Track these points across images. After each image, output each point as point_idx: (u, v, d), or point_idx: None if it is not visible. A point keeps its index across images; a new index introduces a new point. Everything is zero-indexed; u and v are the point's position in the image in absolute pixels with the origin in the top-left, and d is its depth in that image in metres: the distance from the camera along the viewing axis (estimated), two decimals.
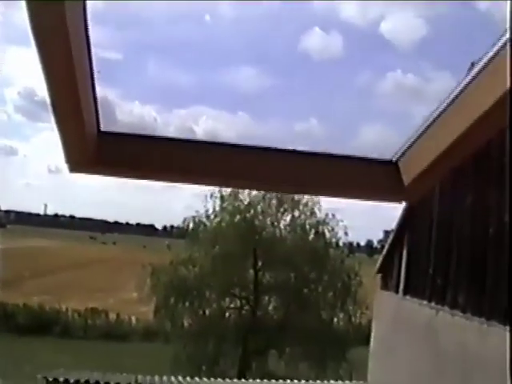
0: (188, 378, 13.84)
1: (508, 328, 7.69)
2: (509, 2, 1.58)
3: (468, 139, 1.72)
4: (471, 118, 1.65)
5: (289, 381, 13.60)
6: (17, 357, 19.79)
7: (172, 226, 29.41)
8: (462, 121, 1.69)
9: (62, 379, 12.58)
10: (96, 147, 1.91)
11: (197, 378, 13.91)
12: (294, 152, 2.03)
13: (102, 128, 1.94)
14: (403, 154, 1.98)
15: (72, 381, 12.61)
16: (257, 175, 2.01)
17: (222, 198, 20.18)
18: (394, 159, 2.01)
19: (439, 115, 1.81)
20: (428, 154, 1.84)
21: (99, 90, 1.84)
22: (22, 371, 16.23)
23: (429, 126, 1.86)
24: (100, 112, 1.88)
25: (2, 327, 23.99)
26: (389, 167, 1.99)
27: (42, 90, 1.66)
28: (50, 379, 12.63)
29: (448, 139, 1.76)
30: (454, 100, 1.75)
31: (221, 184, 2.22)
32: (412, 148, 1.94)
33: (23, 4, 1.29)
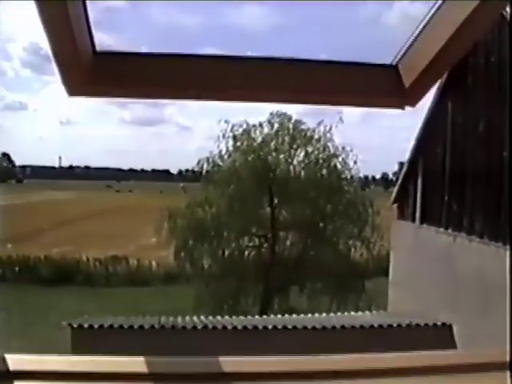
0: (210, 317, 14.22)
1: None
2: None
3: (461, 37, 1.75)
4: (465, 12, 1.67)
5: (310, 315, 13.90)
6: (41, 307, 20.43)
7: (187, 170, 29.55)
8: (456, 16, 1.71)
9: (86, 325, 13.01)
10: (92, 67, 1.92)
11: (219, 317, 14.26)
12: (293, 60, 2.02)
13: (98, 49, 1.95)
14: (402, 56, 1.99)
15: (96, 326, 13.02)
16: (256, 84, 2.01)
17: (234, 137, 20.23)
18: (393, 63, 2.01)
19: (435, 13, 1.84)
20: (425, 54, 1.87)
21: (105, 38, 1.96)
22: (47, 320, 16.74)
23: (425, 27, 1.88)
24: (94, 34, 1.90)
25: (25, 279, 24.68)
26: (389, 71, 2.00)
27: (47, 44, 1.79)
28: (75, 326, 13.07)
29: (443, 38, 1.79)
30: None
31: (221, 97, 2.10)
32: (410, 50, 1.95)
33: None
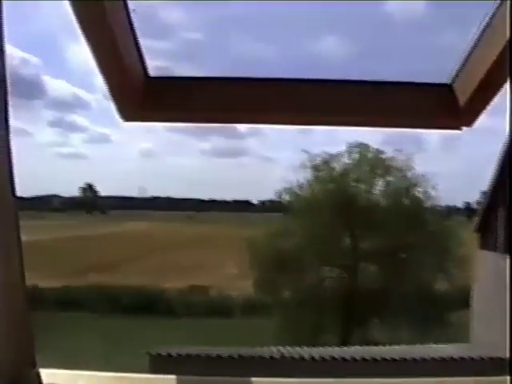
0: (289, 348, 14.44)
1: None
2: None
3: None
4: None
5: (390, 346, 13.92)
6: (121, 336, 21.21)
7: (269, 200, 30.08)
8: (508, 31, 1.69)
9: (164, 354, 13.56)
10: (145, 92, 1.98)
11: (298, 347, 14.45)
12: (342, 82, 2.04)
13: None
14: (457, 75, 1.97)
15: (174, 355, 13.55)
16: (306, 108, 2.02)
17: (314, 167, 20.63)
18: (448, 82, 1.99)
19: (487, 28, 1.83)
20: (479, 71, 1.84)
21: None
22: (126, 349, 17.31)
23: (478, 43, 1.88)
24: (146, 59, 1.97)
25: (106, 308, 25.63)
26: (443, 90, 1.98)
27: None
28: (153, 354, 13.63)
29: (496, 54, 1.77)
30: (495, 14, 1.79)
31: (279, 121, 2.19)
32: (464, 67, 1.93)
33: None
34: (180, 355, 13.55)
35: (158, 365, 13.51)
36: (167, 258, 38.21)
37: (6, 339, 1.88)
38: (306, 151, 20.47)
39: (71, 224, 65.41)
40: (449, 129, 2.11)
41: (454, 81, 1.98)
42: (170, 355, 13.57)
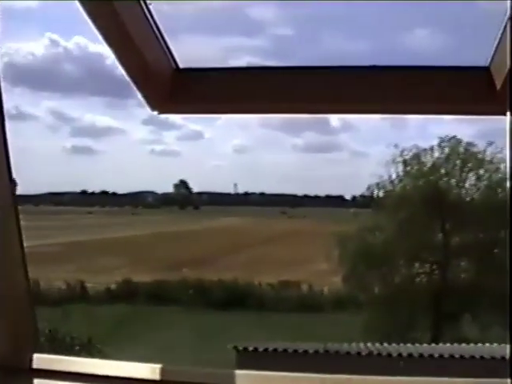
0: (377, 344, 14.58)
1: None
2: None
3: None
4: None
5: (481, 344, 13.83)
6: (212, 330, 21.97)
7: (361, 196, 30.13)
8: None
9: (251, 348, 13.98)
10: (175, 84, 2.02)
11: (387, 344, 14.58)
12: (374, 68, 2.01)
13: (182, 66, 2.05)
14: (494, 57, 1.92)
15: (261, 350, 13.95)
16: (343, 97, 2.02)
17: (404, 162, 20.65)
18: (486, 64, 1.93)
19: None
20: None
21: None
22: (216, 342, 17.81)
23: None
24: (173, 49, 2.01)
25: (198, 302, 26.51)
26: (481, 74, 1.92)
27: None
28: (240, 348, 14.08)
29: None
30: None
31: (308, 110, 2.18)
32: (500, 50, 1.87)
33: None
34: (267, 350, 13.91)
35: (245, 359, 13.95)
36: (259, 253, 38.89)
37: (6, 331, 2.08)
38: (396, 145, 20.52)
39: (165, 220, 67.46)
40: (487, 114, 2.09)
41: (490, 64, 1.92)
42: (256, 350, 13.97)
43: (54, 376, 2.02)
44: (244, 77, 2.04)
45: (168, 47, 1.98)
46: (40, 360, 2.08)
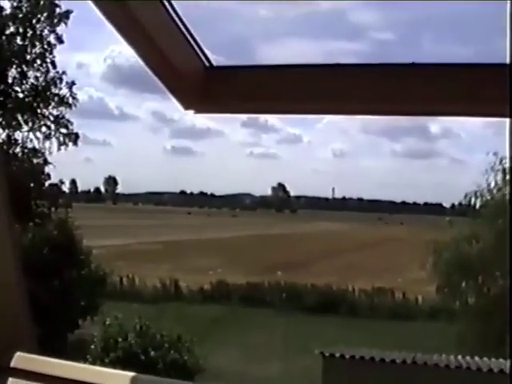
0: (468, 358, 14.17)
1: None
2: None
3: None
4: None
5: None
6: (303, 334, 22.12)
7: (459, 203, 29.47)
8: None
9: (337, 355, 13.92)
10: (207, 82, 2.00)
11: (477, 359, 14.18)
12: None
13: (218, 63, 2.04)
14: None
15: (347, 357, 13.85)
16: (369, 95, 1.92)
17: (503, 171, 20.07)
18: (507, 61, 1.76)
19: None
20: None
21: None
22: (306, 347, 17.92)
23: None
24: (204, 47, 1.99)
25: (291, 306, 26.73)
26: (502, 70, 1.75)
27: None
28: (327, 354, 14.08)
29: None
30: None
31: (346, 111, 2.14)
32: None
33: None
34: (353, 357, 13.79)
35: (331, 365, 13.94)
36: (354, 259, 38.72)
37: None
38: (495, 153, 19.97)
39: (262, 222, 68.22)
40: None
41: None
42: (343, 356, 13.89)
43: (30, 376, 2.01)
44: (285, 73, 2.00)
45: (198, 44, 1.96)
46: (21, 359, 2.06)
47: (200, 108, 2.06)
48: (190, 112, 2.04)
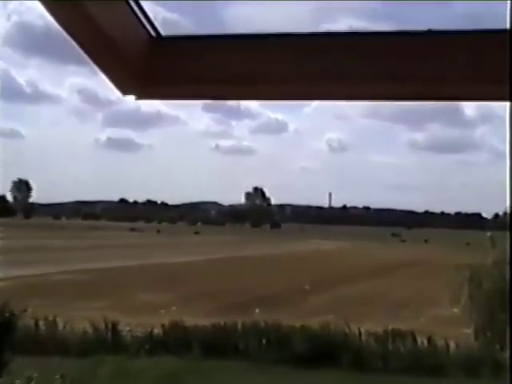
0: None
1: None
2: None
3: None
4: None
5: None
6: None
7: (505, 214, 29.52)
8: None
9: None
10: (153, 58, 2.04)
11: None
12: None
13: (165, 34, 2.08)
14: None
15: None
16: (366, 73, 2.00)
17: None
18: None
19: None
20: None
21: None
22: None
23: None
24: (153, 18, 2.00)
25: (273, 355, 26.37)
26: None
27: None
28: None
29: None
30: None
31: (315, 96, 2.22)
32: None
33: None
34: None
35: None
36: (360, 291, 38.65)
37: None
38: None
39: (232, 241, 67.92)
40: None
41: None
42: None
43: None
44: (260, 45, 2.02)
45: (141, 7, 1.95)
46: None
47: (143, 93, 2.08)
48: (131, 98, 2.05)
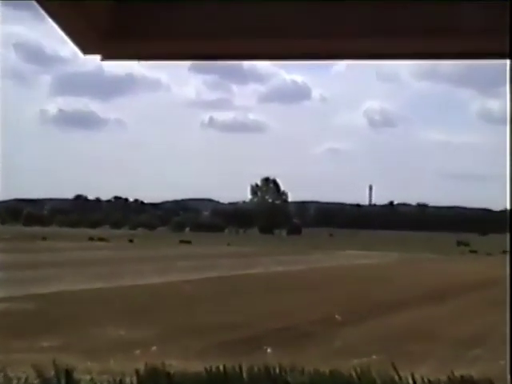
0: None
1: None
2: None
3: None
4: None
5: None
6: None
7: None
8: None
9: None
10: (122, 9, 2.16)
11: None
12: None
13: None
14: None
15: None
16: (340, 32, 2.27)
17: None
18: None
19: None
20: None
21: None
22: None
23: None
24: None
25: None
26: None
27: None
28: None
29: None
30: None
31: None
32: None
33: None
34: None
35: None
36: (412, 322, 38.73)
37: None
38: None
39: (233, 253, 67.81)
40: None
41: None
42: None
43: None
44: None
45: None
46: None
47: (110, 51, 2.18)
48: (95, 57, 2.15)
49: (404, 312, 42.02)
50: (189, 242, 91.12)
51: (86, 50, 2.13)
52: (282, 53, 2.35)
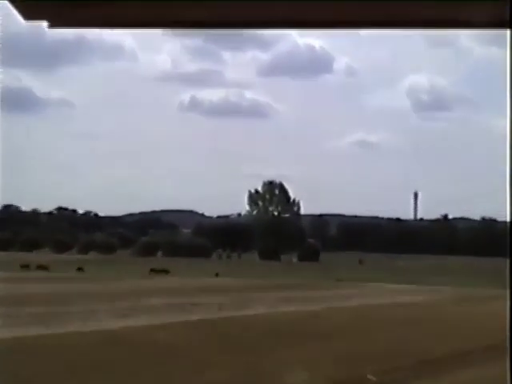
0: None
1: None
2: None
3: None
4: None
5: None
6: None
7: None
8: None
9: None
10: None
11: None
12: None
13: None
14: None
15: None
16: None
17: None
18: None
19: None
20: None
21: None
22: None
23: None
24: None
25: None
26: None
27: None
28: None
29: None
30: None
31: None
32: None
33: None
34: None
35: None
36: (468, 378, 38.92)
37: None
38: None
39: (225, 286, 68.01)
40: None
41: None
42: None
43: None
44: None
45: None
46: None
47: (58, 16, 2.22)
48: (40, 24, 2.19)
49: (462, 368, 42.20)
50: (165, 272, 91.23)
51: (28, 14, 2.21)
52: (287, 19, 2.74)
